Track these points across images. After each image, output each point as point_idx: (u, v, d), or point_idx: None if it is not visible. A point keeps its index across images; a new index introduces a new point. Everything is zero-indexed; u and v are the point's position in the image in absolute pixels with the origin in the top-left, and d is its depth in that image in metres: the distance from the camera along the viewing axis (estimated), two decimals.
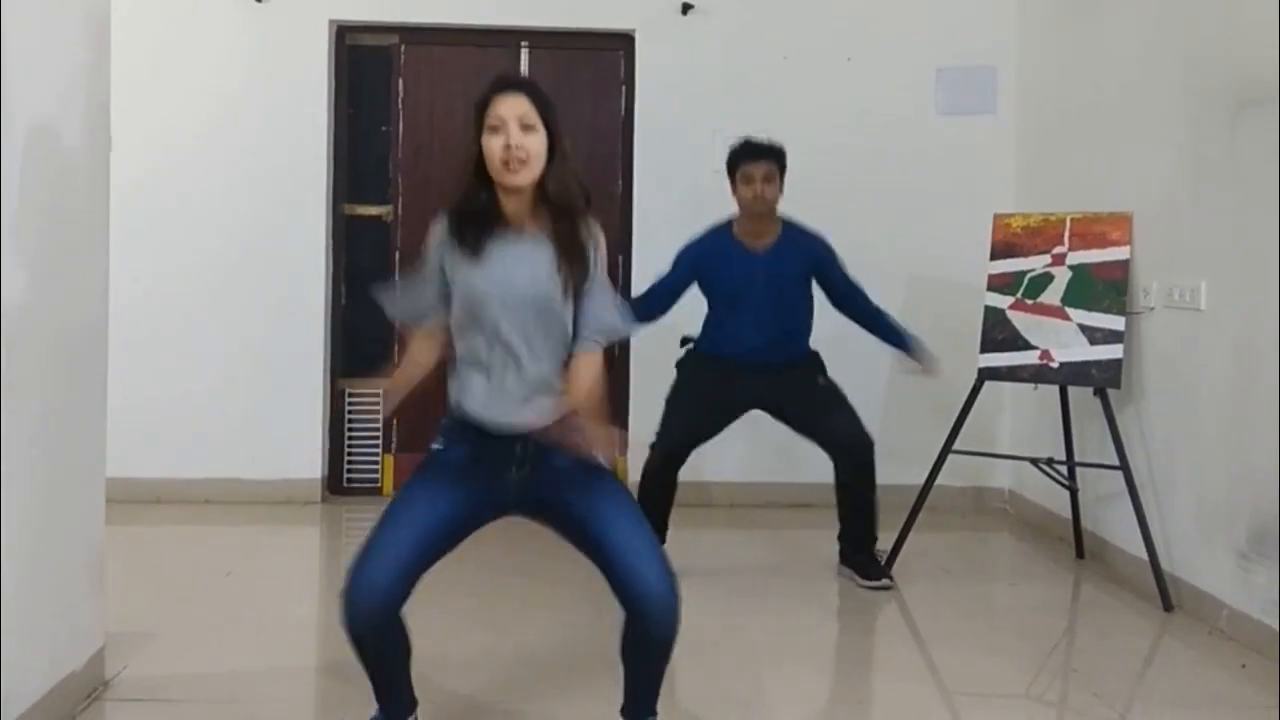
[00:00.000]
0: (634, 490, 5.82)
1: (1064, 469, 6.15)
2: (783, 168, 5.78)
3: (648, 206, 7.37)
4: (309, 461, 7.41)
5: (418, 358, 3.70)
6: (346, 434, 7.62)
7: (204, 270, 7.20)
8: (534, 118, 3.44)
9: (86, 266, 4.04)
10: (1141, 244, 5.87)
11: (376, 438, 7.64)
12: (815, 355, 5.93)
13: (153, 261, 7.01)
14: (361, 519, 7.12)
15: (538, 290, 3.47)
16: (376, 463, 7.64)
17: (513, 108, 3.43)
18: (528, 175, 3.44)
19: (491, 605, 5.19)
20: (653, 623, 3.45)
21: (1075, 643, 5.25)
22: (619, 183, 7.55)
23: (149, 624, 4.85)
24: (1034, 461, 6.20)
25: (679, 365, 5.90)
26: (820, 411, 5.82)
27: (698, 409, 5.78)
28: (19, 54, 3.50)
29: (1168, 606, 5.43)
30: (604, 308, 3.59)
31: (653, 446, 5.84)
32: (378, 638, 3.53)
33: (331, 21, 7.38)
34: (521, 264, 3.49)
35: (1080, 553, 6.39)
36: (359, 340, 7.59)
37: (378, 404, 7.58)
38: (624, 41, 7.51)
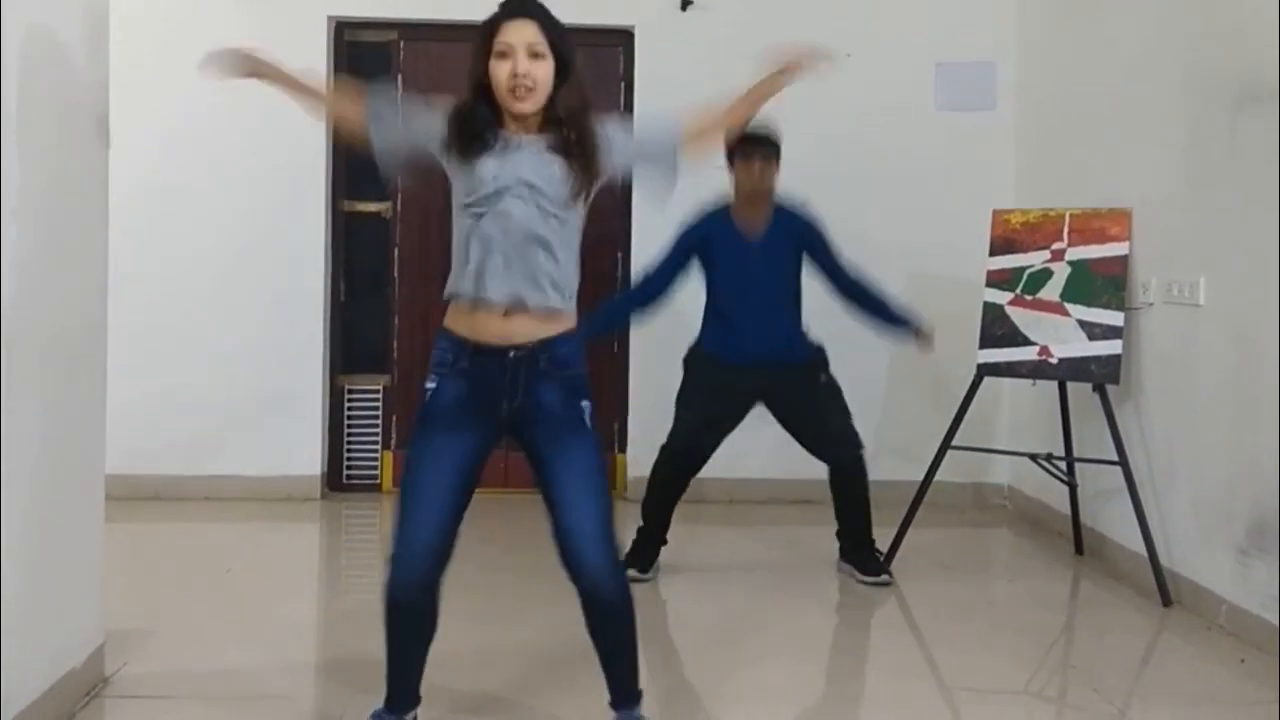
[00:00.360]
0: (641, 485, 5.88)
1: (1063, 465, 6.15)
2: (778, 154, 5.82)
3: (645, 211, 7.35)
4: (308, 458, 7.43)
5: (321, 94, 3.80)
6: (346, 430, 7.63)
7: (204, 267, 7.21)
8: (543, 45, 3.44)
9: (85, 265, 4.05)
10: (1140, 240, 5.87)
11: (376, 434, 7.65)
12: (819, 350, 5.91)
13: (152, 259, 7.02)
14: (361, 515, 7.16)
15: (547, 178, 3.46)
16: (376, 459, 7.65)
17: (521, 34, 3.43)
18: (533, 103, 3.45)
19: (491, 602, 5.19)
20: (587, 585, 3.51)
21: (1074, 639, 5.27)
22: (617, 186, 7.53)
23: (148, 621, 4.85)
24: (1033, 457, 6.21)
25: (686, 364, 5.90)
26: (813, 416, 5.83)
27: (710, 407, 5.78)
28: (17, 52, 3.51)
29: (1166, 602, 5.43)
30: (652, 127, 3.76)
31: (665, 447, 5.84)
32: (421, 605, 3.57)
33: (330, 18, 7.39)
34: (529, 155, 3.48)
35: (1079, 549, 6.40)
36: (358, 337, 7.61)
37: (378, 400, 7.59)
38: (623, 37, 7.53)
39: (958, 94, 7.60)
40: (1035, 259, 6.16)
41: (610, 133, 3.61)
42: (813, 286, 5.88)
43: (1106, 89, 6.38)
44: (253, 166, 7.25)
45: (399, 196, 7.56)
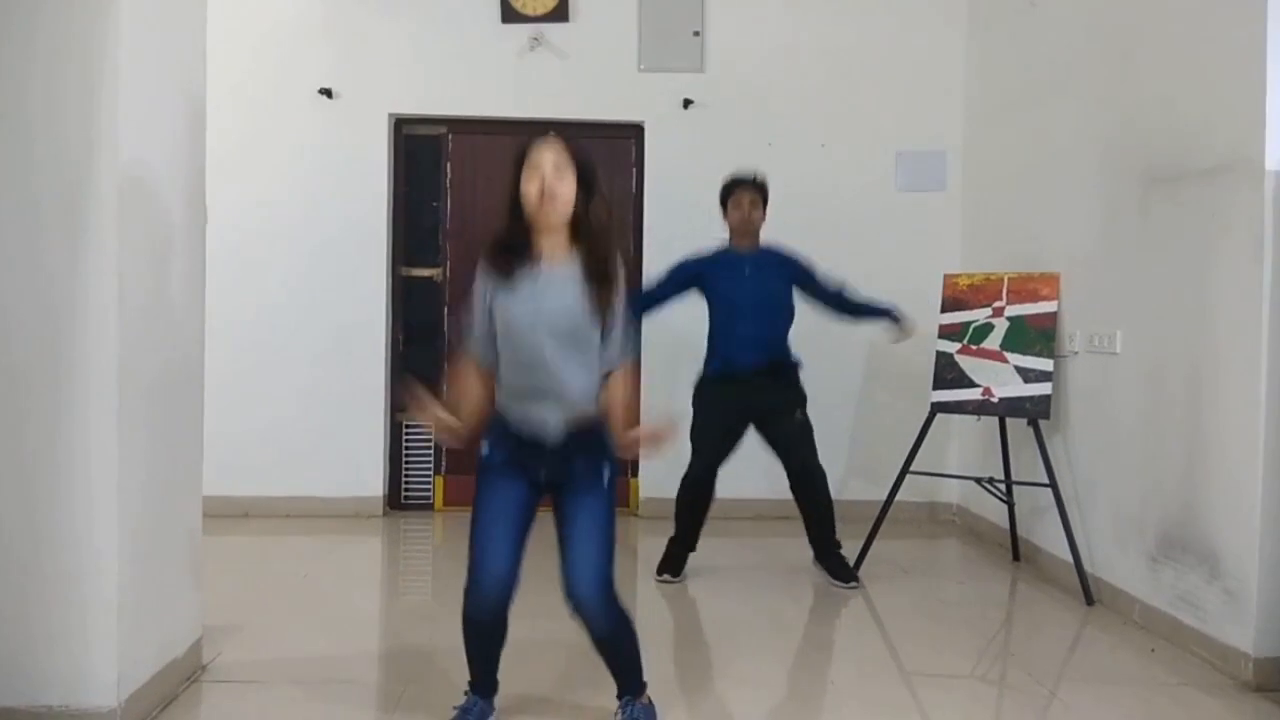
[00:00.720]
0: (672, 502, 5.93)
1: (1003, 486, 6.16)
2: (765, 198, 5.89)
3: (654, 270, 7.38)
4: (372, 481, 7.44)
5: (468, 394, 3.63)
6: (404, 459, 7.64)
7: (286, 320, 7.25)
8: (566, 165, 3.45)
9: (186, 317, 4.09)
10: (1067, 298, 5.89)
11: (429, 462, 7.66)
12: (801, 391, 5.91)
13: (242, 314, 7.07)
14: (417, 530, 7.15)
15: (569, 316, 3.46)
16: (429, 483, 7.65)
17: (549, 154, 3.45)
18: (558, 212, 3.45)
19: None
20: (586, 620, 3.54)
21: (1012, 631, 5.25)
22: (631, 250, 7.59)
23: (239, 618, 4.88)
24: (978, 480, 6.25)
25: (695, 396, 5.89)
26: (792, 441, 5.84)
27: (718, 433, 5.77)
28: (129, 141, 3.57)
29: (1089, 601, 5.44)
30: (613, 342, 3.58)
31: (685, 477, 5.84)
32: (494, 623, 3.60)
33: (391, 115, 7.46)
34: (554, 292, 3.47)
35: (1016, 556, 6.40)
36: (416, 378, 7.63)
37: (430, 433, 7.61)
38: (635, 131, 7.57)
39: (914, 177, 7.62)
40: (979, 315, 6.17)
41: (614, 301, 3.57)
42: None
43: (1038, 172, 6.41)
44: (325, 238, 7.30)
45: (448, 265, 7.60)
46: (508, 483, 3.56)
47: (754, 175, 5.87)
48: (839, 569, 5.79)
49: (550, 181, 3.41)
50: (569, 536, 3.53)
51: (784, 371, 5.87)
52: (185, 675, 4.11)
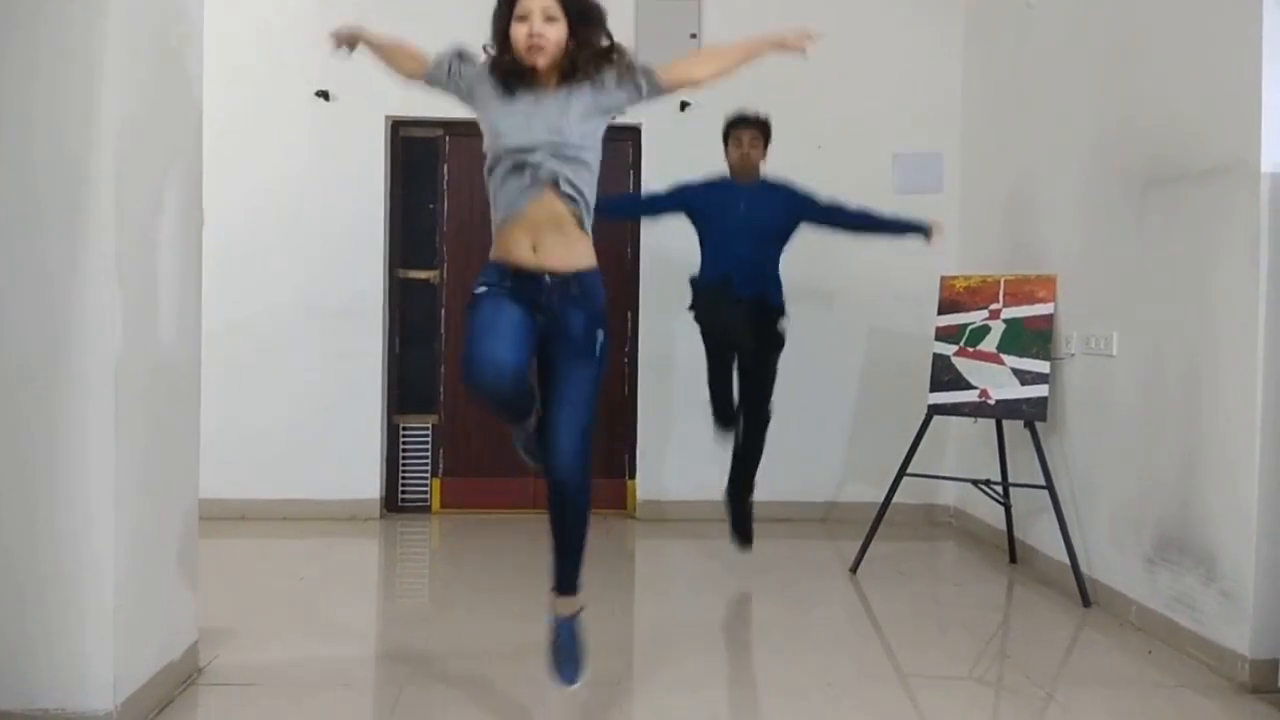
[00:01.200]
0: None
1: (999, 488, 6.17)
2: (767, 137, 5.91)
3: (651, 271, 7.41)
4: (369, 484, 7.44)
5: (394, 57, 3.97)
6: (400, 461, 7.64)
7: (281, 323, 7.25)
8: (556, 9, 3.50)
9: (183, 320, 4.09)
10: (1064, 300, 5.90)
11: (426, 464, 7.66)
12: (781, 336, 5.91)
13: (239, 316, 7.07)
14: (413, 533, 7.15)
15: (563, 130, 3.51)
16: (426, 485, 7.65)
17: (535, 3, 3.49)
18: (545, 59, 3.51)
19: (511, 600, 5.20)
20: (557, 474, 3.55)
21: (1009, 633, 5.26)
22: (628, 251, 7.59)
23: (235, 621, 4.87)
24: (974, 482, 6.25)
25: (693, 306, 5.90)
26: (755, 382, 5.86)
27: (725, 320, 5.77)
28: (128, 146, 3.57)
29: (1086, 603, 5.44)
30: (655, 73, 3.81)
31: (710, 370, 5.93)
32: (506, 392, 3.51)
33: (387, 117, 7.46)
34: (548, 110, 3.53)
35: (1013, 558, 6.39)
36: (411, 382, 7.65)
37: (427, 436, 7.61)
38: (632, 134, 7.58)
39: (911, 179, 7.63)
40: (976, 317, 6.18)
41: (610, 80, 3.67)
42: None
43: (1035, 174, 6.42)
44: (322, 240, 7.31)
45: (445, 266, 7.61)
46: (506, 303, 3.53)
47: (754, 113, 5.92)
48: (740, 519, 5.88)
49: (539, 28, 3.48)
50: (556, 396, 3.56)
51: (768, 311, 5.86)
52: (182, 678, 4.10)
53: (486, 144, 3.64)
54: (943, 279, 6.45)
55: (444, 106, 7.36)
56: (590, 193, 3.62)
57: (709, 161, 7.25)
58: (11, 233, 3.44)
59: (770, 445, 6.97)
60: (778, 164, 7.31)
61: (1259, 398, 4.31)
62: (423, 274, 7.65)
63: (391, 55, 3.92)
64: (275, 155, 7.28)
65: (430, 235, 7.66)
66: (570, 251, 3.59)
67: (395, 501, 7.65)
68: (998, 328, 6.07)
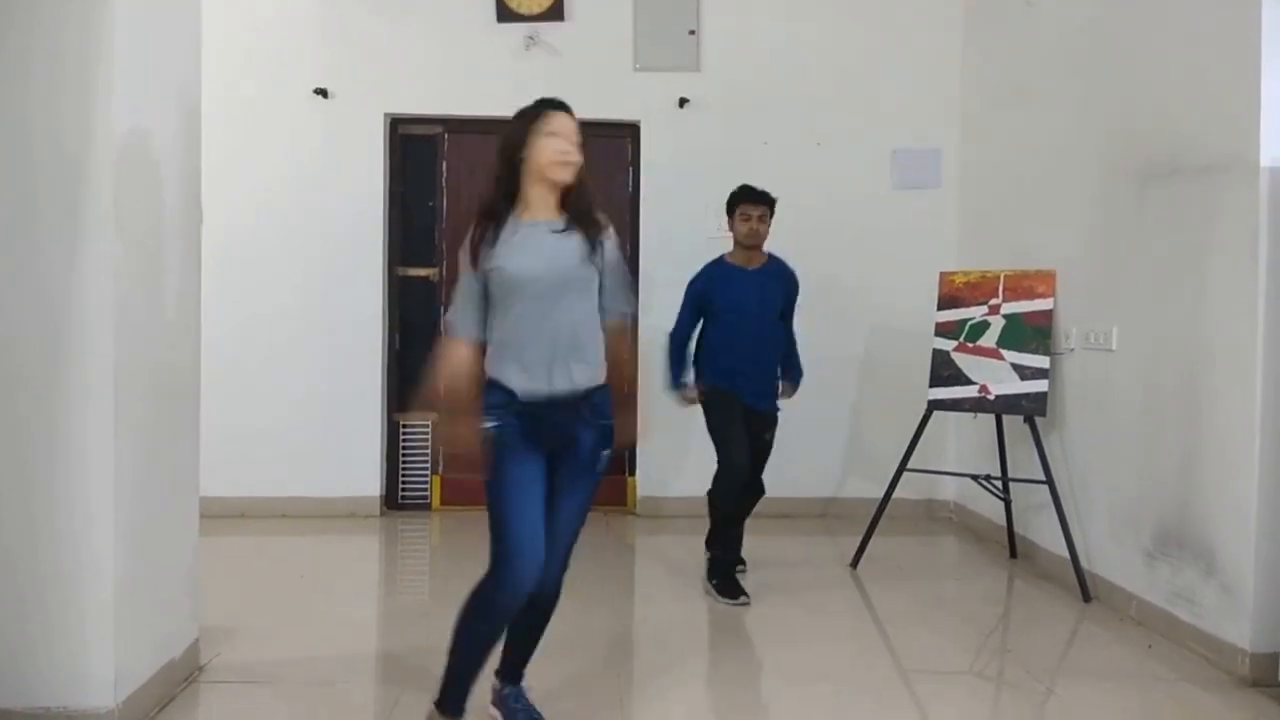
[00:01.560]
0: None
1: (999, 484, 6.17)
2: (772, 210, 5.83)
3: (651, 267, 7.40)
4: (369, 482, 7.44)
5: (459, 368, 3.54)
6: (401, 458, 7.65)
7: (281, 321, 7.25)
8: (577, 133, 3.58)
9: (182, 318, 4.10)
10: (1063, 295, 5.91)
11: (426, 462, 7.66)
12: (777, 412, 5.88)
13: (237, 315, 7.07)
14: (414, 530, 7.16)
15: (566, 269, 3.48)
16: (426, 482, 7.66)
17: (568, 124, 3.56)
18: (571, 175, 3.53)
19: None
20: (537, 599, 3.49)
21: (1009, 627, 5.27)
22: (627, 247, 7.59)
23: (236, 619, 4.88)
24: (974, 477, 6.25)
25: (705, 402, 5.78)
26: (757, 456, 5.78)
27: (739, 426, 5.68)
28: (119, 144, 3.58)
29: (1086, 598, 5.45)
30: (610, 291, 3.62)
31: (720, 478, 5.69)
32: (520, 608, 3.47)
33: (386, 114, 7.46)
34: (553, 243, 3.50)
35: (1013, 553, 6.41)
36: (411, 380, 7.65)
37: (428, 433, 7.60)
38: (631, 130, 7.58)
39: (910, 175, 7.63)
40: (976, 312, 6.19)
41: (609, 245, 3.64)
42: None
43: (1035, 169, 6.42)
44: (321, 238, 7.30)
45: (444, 263, 7.61)
46: (527, 456, 3.48)
47: (763, 191, 5.80)
48: (726, 584, 5.69)
49: (573, 147, 3.52)
50: (556, 512, 3.53)
51: (774, 417, 5.87)
52: (183, 676, 4.12)
53: (492, 290, 3.57)
54: (942, 274, 6.46)
55: (443, 104, 7.44)
56: (599, 326, 3.63)
57: (707, 157, 7.28)
58: (10, 233, 3.44)
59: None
60: (777, 161, 7.35)
61: (1258, 393, 4.32)
62: (422, 272, 7.65)
63: (461, 367, 3.63)
64: (274, 153, 7.28)
65: (429, 233, 7.66)
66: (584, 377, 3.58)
67: (395, 499, 7.64)
68: (997, 323, 6.07)
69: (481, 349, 3.56)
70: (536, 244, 3.48)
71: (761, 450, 5.79)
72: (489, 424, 3.46)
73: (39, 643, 3.50)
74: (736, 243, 5.84)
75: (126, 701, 3.61)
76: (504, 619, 3.48)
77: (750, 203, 5.76)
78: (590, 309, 3.56)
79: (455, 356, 3.54)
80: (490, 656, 3.56)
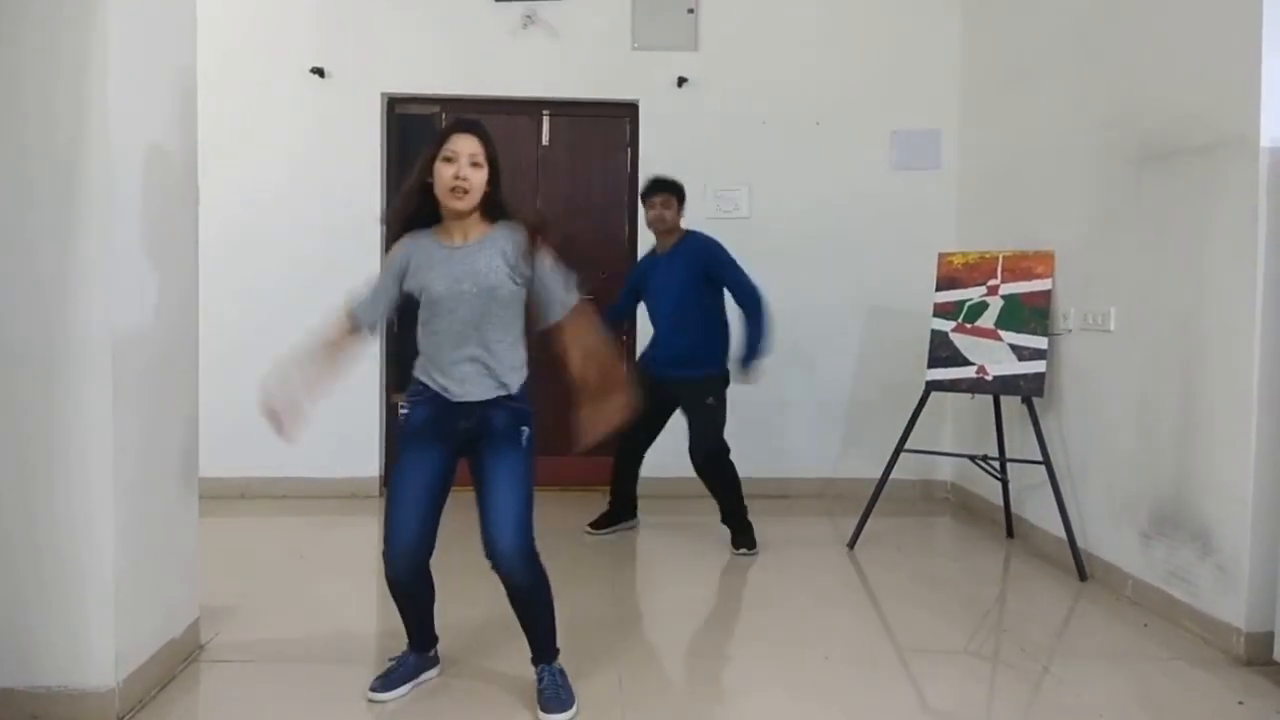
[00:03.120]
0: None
1: (996, 464, 6.19)
2: (678, 195, 6.07)
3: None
4: (367, 462, 7.46)
5: (336, 356, 3.88)
6: (399, 440, 7.65)
7: (279, 303, 7.24)
8: (481, 156, 3.61)
9: (180, 299, 4.11)
10: (1061, 276, 5.92)
11: None
12: (714, 374, 5.99)
13: (236, 294, 7.09)
14: None
15: (484, 291, 3.60)
16: None
17: (466, 145, 3.60)
18: (468, 202, 3.61)
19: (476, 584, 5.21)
20: (503, 571, 3.62)
21: (1006, 607, 5.28)
22: (625, 228, 7.60)
23: (236, 599, 4.91)
24: (971, 458, 6.27)
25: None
26: (691, 423, 6.00)
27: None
28: (116, 127, 3.58)
29: (1082, 577, 5.49)
30: (550, 290, 3.68)
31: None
32: (414, 584, 3.80)
33: (383, 94, 7.45)
34: (468, 269, 3.61)
35: (1010, 533, 6.44)
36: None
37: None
38: (629, 109, 7.58)
39: (909, 156, 7.64)
40: (974, 293, 6.20)
41: (540, 258, 3.69)
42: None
43: (1033, 150, 6.43)
44: (318, 218, 7.31)
45: None
46: (426, 450, 3.72)
47: (662, 177, 6.12)
48: (737, 534, 6.10)
49: (465, 172, 3.59)
50: (489, 493, 3.66)
51: (687, 387, 6.03)
52: (183, 655, 4.14)
53: (421, 304, 3.81)
54: (941, 255, 6.46)
55: (440, 83, 7.44)
56: (520, 338, 3.79)
57: (705, 137, 7.28)
58: (5, 215, 3.44)
59: (769, 422, 7.03)
60: (776, 141, 7.35)
61: (1255, 372, 4.34)
62: None
63: (329, 354, 3.90)
64: (270, 134, 7.27)
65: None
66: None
67: None
68: (996, 304, 6.08)
69: (358, 333, 3.88)
70: (451, 266, 3.63)
71: (693, 421, 5.98)
72: (402, 409, 3.79)
73: (40, 622, 3.52)
74: (650, 229, 6.20)
75: (127, 680, 3.63)
76: (397, 591, 3.83)
77: (653, 193, 6.09)
78: (513, 320, 3.71)
79: (335, 326, 3.87)
80: (423, 617, 3.97)
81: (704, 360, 5.96)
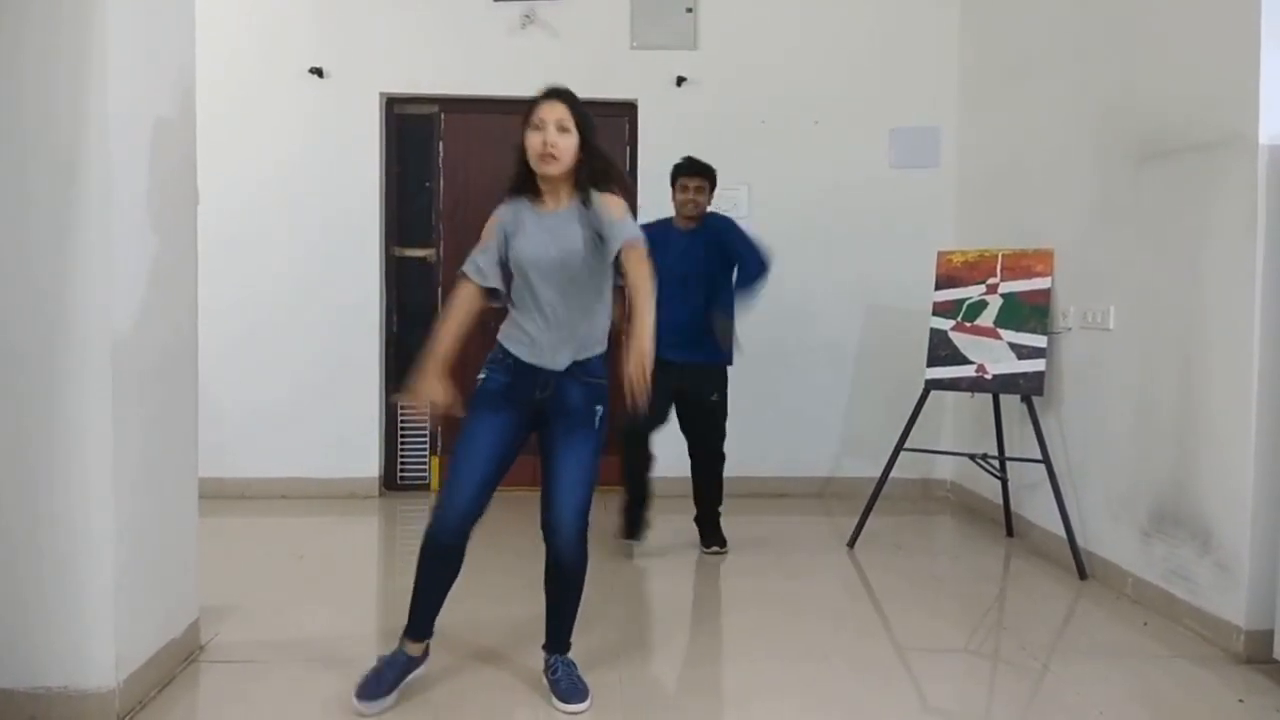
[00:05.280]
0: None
1: (996, 463, 6.20)
2: (711, 182, 5.92)
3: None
4: (368, 462, 7.46)
5: (460, 312, 3.78)
6: (399, 439, 7.66)
7: (278, 303, 7.26)
8: (569, 122, 3.68)
9: (179, 299, 4.10)
10: (1061, 275, 5.92)
11: (425, 443, 7.68)
12: (718, 368, 5.91)
13: (235, 294, 7.09)
14: (412, 510, 7.17)
15: (566, 256, 3.65)
16: (425, 463, 7.67)
17: (552, 111, 3.68)
18: (558, 167, 3.67)
19: (511, 577, 5.21)
20: (556, 548, 3.69)
21: (1005, 605, 5.29)
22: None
23: (236, 599, 4.91)
24: (971, 457, 6.28)
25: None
26: (696, 416, 5.95)
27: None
28: (121, 125, 3.58)
29: (1082, 575, 5.49)
30: (617, 230, 3.65)
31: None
32: (452, 550, 3.72)
33: (382, 94, 7.45)
34: (554, 234, 3.67)
35: (1010, 532, 6.45)
36: (409, 360, 7.64)
37: (426, 414, 7.61)
38: (628, 109, 7.58)
39: (908, 154, 7.64)
40: (973, 292, 6.20)
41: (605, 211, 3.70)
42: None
43: (1032, 148, 6.43)
44: (317, 218, 7.31)
45: (441, 244, 7.61)
46: (497, 414, 3.74)
47: (700, 164, 5.95)
48: (708, 536, 6.07)
49: (553, 138, 3.64)
50: (556, 471, 3.69)
51: (701, 376, 5.92)
52: (183, 655, 4.14)
53: (511, 269, 3.81)
54: (940, 254, 6.47)
55: (439, 83, 7.44)
56: (606, 309, 3.84)
57: (704, 136, 7.28)
58: (4, 214, 3.44)
59: (768, 420, 7.03)
60: (775, 139, 7.35)
61: (1255, 371, 4.34)
62: (419, 252, 7.66)
63: (468, 324, 3.84)
64: (270, 134, 7.27)
65: (426, 213, 7.66)
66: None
67: (394, 480, 7.66)
68: (995, 302, 6.09)
69: (484, 293, 3.80)
70: (539, 231, 3.70)
71: (701, 414, 5.92)
72: (481, 374, 3.79)
73: (40, 623, 3.51)
74: (676, 212, 5.98)
75: (127, 681, 3.63)
76: (435, 560, 3.76)
77: (689, 176, 5.89)
78: (595, 292, 3.75)
79: (460, 293, 3.80)
80: (439, 595, 3.84)
81: (712, 347, 5.82)
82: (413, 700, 3.84)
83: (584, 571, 3.79)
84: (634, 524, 6.00)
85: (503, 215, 3.80)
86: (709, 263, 5.84)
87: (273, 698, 3.91)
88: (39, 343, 3.46)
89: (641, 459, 5.94)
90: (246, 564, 5.65)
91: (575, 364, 3.72)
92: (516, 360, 3.73)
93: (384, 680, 3.80)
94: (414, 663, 3.91)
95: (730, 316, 5.82)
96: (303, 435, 7.29)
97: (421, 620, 3.87)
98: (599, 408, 3.77)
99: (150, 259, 3.82)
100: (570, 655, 3.94)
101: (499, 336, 3.82)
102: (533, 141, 3.67)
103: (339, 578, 5.53)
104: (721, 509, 6.11)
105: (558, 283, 3.68)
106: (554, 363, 3.69)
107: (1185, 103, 4.85)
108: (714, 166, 5.96)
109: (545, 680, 3.90)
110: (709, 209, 5.99)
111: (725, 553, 5.94)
